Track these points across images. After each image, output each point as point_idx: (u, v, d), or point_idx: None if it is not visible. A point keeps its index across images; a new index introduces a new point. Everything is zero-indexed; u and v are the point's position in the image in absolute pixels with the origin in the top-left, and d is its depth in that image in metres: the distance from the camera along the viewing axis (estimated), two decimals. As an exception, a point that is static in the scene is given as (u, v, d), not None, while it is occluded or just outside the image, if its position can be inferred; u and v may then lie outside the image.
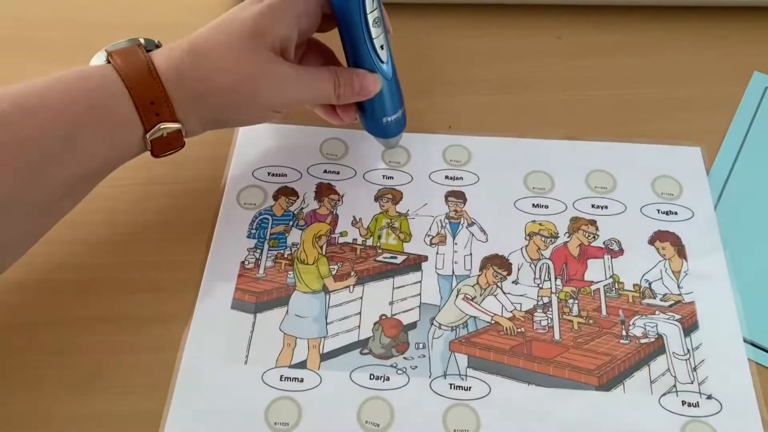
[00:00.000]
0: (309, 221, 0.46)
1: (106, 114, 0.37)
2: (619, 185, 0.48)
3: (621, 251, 0.45)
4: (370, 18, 0.40)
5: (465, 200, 0.47)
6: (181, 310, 0.42)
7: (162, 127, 0.38)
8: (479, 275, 0.44)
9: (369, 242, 0.46)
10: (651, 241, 0.45)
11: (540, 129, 0.51)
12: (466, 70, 0.54)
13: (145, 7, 0.58)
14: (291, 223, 0.46)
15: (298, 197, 0.48)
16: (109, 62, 0.38)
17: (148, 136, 0.39)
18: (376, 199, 0.48)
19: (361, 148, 0.50)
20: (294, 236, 0.46)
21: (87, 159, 0.37)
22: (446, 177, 0.49)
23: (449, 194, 0.48)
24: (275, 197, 0.47)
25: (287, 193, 0.48)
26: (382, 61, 0.42)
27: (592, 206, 0.47)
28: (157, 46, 0.43)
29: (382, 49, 0.42)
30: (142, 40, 0.42)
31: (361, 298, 0.43)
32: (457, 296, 0.43)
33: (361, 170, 0.49)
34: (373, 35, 0.41)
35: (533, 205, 0.47)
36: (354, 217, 0.47)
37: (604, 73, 0.54)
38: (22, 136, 0.35)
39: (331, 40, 0.44)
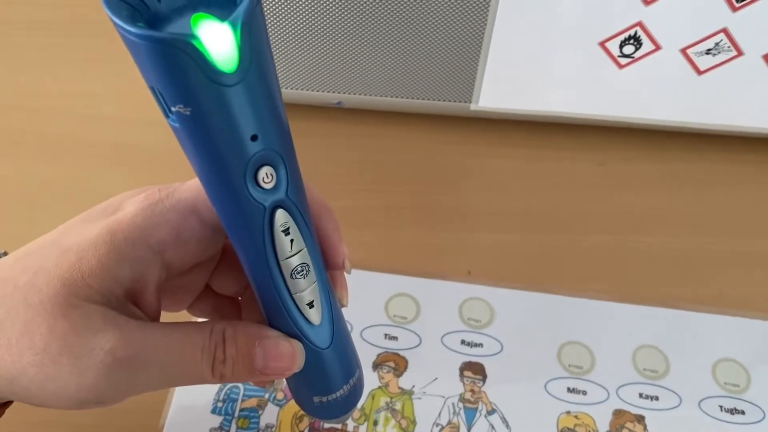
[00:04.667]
0: (289, 394, 0.37)
1: None
2: (672, 369, 0.39)
3: (676, 462, 0.36)
4: (286, 266, 0.23)
5: (485, 377, 0.38)
6: None
7: None
8: (499, 487, 0.35)
9: (363, 429, 0.37)
10: (713, 451, 0.37)
11: (577, 281, 0.42)
12: (490, 199, 0.46)
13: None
14: (267, 395, 0.37)
15: (278, 359, 0.39)
16: None
17: None
18: (375, 367, 0.39)
19: (361, 298, 0.41)
20: (269, 414, 0.37)
21: None
22: (462, 342, 0.40)
23: (465, 367, 0.39)
24: (251, 358, 0.38)
25: (266, 352, 0.39)
26: (310, 323, 0.25)
27: (640, 395, 0.38)
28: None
29: (312, 307, 0.25)
30: None
31: None
32: None
33: (359, 325, 0.40)
34: (293, 290, 0.24)
35: (568, 389, 0.38)
36: (346, 391, 0.38)
37: (654, 213, 0.46)
38: None
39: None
